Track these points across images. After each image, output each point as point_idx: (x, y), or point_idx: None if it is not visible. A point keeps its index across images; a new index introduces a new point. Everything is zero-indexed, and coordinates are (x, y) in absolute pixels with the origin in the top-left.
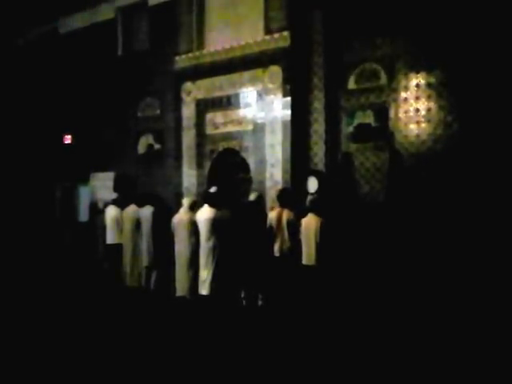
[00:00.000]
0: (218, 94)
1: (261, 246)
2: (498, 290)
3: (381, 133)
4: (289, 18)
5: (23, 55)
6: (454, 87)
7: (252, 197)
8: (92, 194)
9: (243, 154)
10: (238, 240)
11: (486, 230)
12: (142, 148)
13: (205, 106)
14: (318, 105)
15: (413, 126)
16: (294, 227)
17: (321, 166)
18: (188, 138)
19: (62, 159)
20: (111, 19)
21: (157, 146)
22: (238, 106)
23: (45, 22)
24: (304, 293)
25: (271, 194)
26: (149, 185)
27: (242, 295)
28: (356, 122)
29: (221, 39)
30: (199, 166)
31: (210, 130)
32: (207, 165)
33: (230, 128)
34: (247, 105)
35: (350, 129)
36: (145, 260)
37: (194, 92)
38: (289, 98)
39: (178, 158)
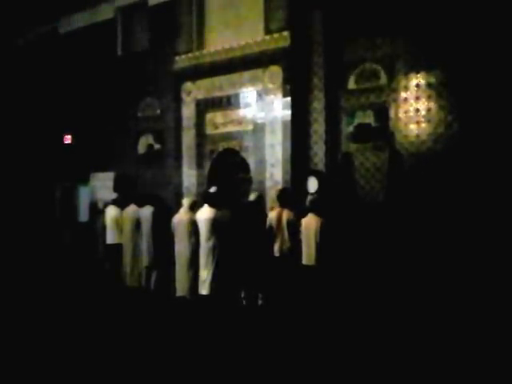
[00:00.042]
0: (217, 93)
1: (261, 246)
2: (498, 289)
3: (381, 133)
4: (289, 18)
5: (23, 55)
6: (454, 87)
7: (252, 197)
8: (92, 193)
9: (243, 154)
10: (238, 240)
11: (486, 229)
12: (142, 148)
13: (205, 106)
14: (318, 105)
15: (413, 126)
16: (294, 227)
17: (321, 166)
18: (188, 138)
19: (62, 159)
20: (111, 19)
21: (157, 146)
22: (237, 106)
23: (45, 21)
24: (304, 293)
25: (271, 194)
26: (149, 185)
27: (242, 295)
28: (356, 121)
29: (221, 39)
30: (199, 166)
31: (209, 130)
32: (207, 165)
33: (230, 128)
34: (247, 105)
35: (350, 129)
36: (145, 260)
37: (193, 92)
38: (289, 98)
39: (178, 157)
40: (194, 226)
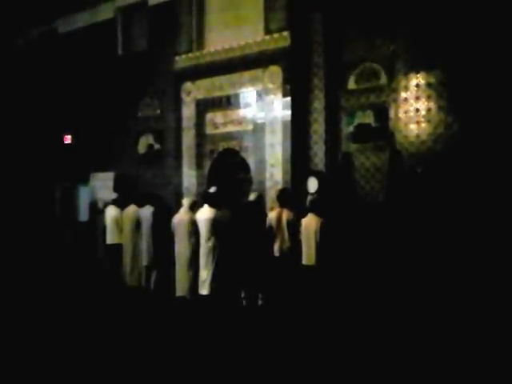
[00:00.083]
0: (218, 93)
1: (261, 246)
2: (498, 289)
3: (381, 133)
4: (289, 18)
5: (23, 55)
6: (454, 87)
7: (252, 197)
8: (92, 193)
9: (243, 154)
10: (238, 240)
11: (486, 229)
12: (142, 148)
13: (205, 106)
14: (318, 105)
15: (413, 126)
16: (294, 227)
17: (321, 166)
18: (188, 138)
19: (62, 159)
20: (111, 19)
21: (157, 146)
22: (237, 106)
23: (44, 21)
24: (304, 293)
25: (271, 194)
26: (149, 185)
27: (242, 295)
28: (356, 121)
29: (221, 39)
30: (199, 166)
31: (209, 130)
32: (207, 165)
33: (230, 128)
34: (247, 105)
35: (350, 129)
36: (145, 260)
37: (193, 92)
38: (289, 98)
39: (178, 157)
40: (194, 226)
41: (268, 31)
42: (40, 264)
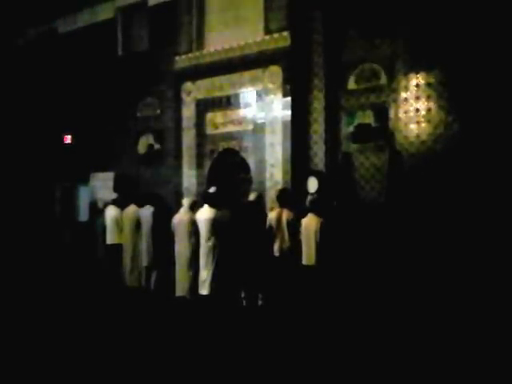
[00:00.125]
0: (218, 94)
1: (261, 246)
2: (498, 289)
3: (381, 133)
4: (289, 18)
5: (23, 55)
6: (454, 87)
7: (252, 197)
8: (92, 193)
9: (243, 154)
10: (238, 240)
11: (486, 229)
12: (142, 148)
13: (205, 106)
14: (318, 105)
15: (413, 126)
16: (294, 227)
17: (321, 166)
18: (188, 138)
19: (62, 159)
20: (111, 19)
21: (157, 146)
22: (238, 106)
23: (44, 21)
24: (304, 293)
25: (271, 194)
26: (149, 185)
27: (242, 295)
28: (356, 122)
29: (221, 39)
30: (199, 166)
31: (210, 130)
32: (207, 165)
33: (230, 128)
34: (247, 105)
35: (350, 129)
36: (145, 260)
37: (193, 92)
38: (289, 98)
39: (178, 157)
40: (194, 226)
41: (268, 31)
42: (40, 264)
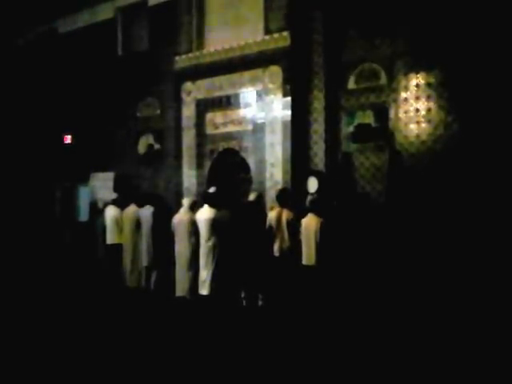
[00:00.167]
0: (218, 93)
1: (261, 246)
2: (498, 289)
3: (381, 133)
4: (289, 18)
5: (23, 55)
6: (454, 87)
7: (252, 197)
8: (92, 193)
9: (243, 154)
10: (238, 240)
11: (487, 229)
12: (142, 148)
13: (205, 106)
14: (318, 105)
15: (413, 126)
16: (294, 227)
17: (321, 166)
18: (188, 138)
19: (62, 159)
20: (111, 19)
21: (157, 146)
22: (237, 106)
23: (44, 21)
24: (304, 293)
25: (271, 194)
26: (149, 185)
27: (242, 295)
28: (356, 121)
29: (221, 39)
30: (199, 166)
31: (210, 130)
32: (207, 165)
33: (230, 128)
34: (247, 105)
35: (350, 129)
36: (145, 260)
37: (193, 92)
38: (289, 98)
39: (178, 157)
40: (193, 226)
41: (268, 31)
42: (40, 264)
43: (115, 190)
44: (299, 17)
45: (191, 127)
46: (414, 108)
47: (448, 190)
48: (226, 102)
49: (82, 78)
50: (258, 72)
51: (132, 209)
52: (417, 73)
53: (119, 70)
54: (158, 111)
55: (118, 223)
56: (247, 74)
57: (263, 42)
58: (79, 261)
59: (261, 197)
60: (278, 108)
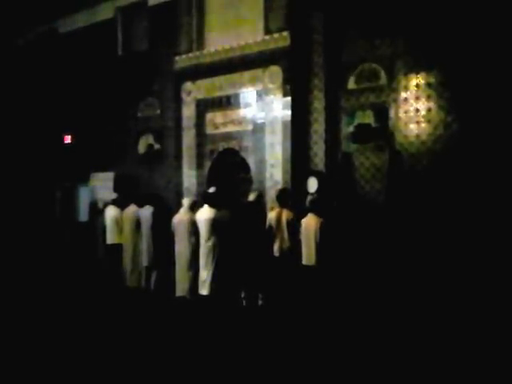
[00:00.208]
0: (218, 93)
1: (260, 246)
2: (498, 289)
3: (381, 133)
4: (289, 18)
5: (23, 55)
6: (454, 87)
7: (252, 197)
8: (92, 193)
9: (243, 154)
10: (238, 240)
11: (486, 229)
12: (142, 148)
13: (205, 106)
14: (318, 105)
15: (413, 126)
16: (294, 227)
17: (321, 166)
18: (188, 138)
19: (62, 159)
20: (111, 19)
21: (157, 146)
22: (237, 106)
23: (44, 21)
24: (304, 293)
25: (271, 194)
26: (149, 185)
27: (242, 295)
28: (356, 121)
29: (221, 39)
30: (199, 166)
31: (210, 130)
32: (207, 165)
33: (230, 128)
34: (247, 105)
35: (350, 129)
36: (145, 260)
37: (193, 92)
38: (289, 98)
39: (178, 157)
40: (193, 226)
41: (268, 31)
42: (40, 264)
43: (115, 190)
44: (299, 17)
45: (191, 127)
46: (414, 108)
47: (448, 190)
48: (226, 102)
49: (82, 78)
50: (258, 72)
51: (132, 209)
52: (417, 73)
53: (119, 69)
54: (158, 111)
55: (118, 223)
56: (247, 74)
57: (263, 42)
58: (79, 261)
59: (261, 197)
60: (278, 108)
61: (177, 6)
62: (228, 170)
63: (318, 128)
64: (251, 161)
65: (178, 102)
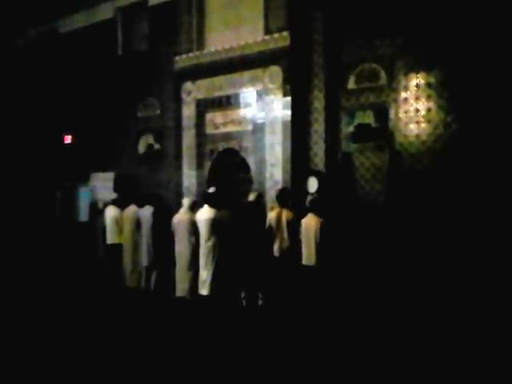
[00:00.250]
0: (217, 93)
1: (260, 246)
2: (498, 289)
3: (381, 133)
4: (289, 17)
5: (23, 55)
6: (454, 87)
7: (252, 197)
8: (92, 194)
9: (243, 154)
10: (238, 240)
11: (486, 229)
12: (142, 148)
13: (205, 106)
14: (318, 105)
15: (413, 126)
16: (294, 227)
17: (321, 166)
18: (188, 138)
19: (62, 159)
20: (111, 19)
21: (157, 146)
22: (237, 106)
23: (44, 21)
24: (304, 293)
25: (271, 194)
26: (149, 185)
27: (242, 295)
28: (356, 121)
29: (221, 39)
30: (199, 166)
31: (210, 130)
32: (207, 165)
33: (230, 128)
34: (247, 105)
35: (350, 129)
36: (145, 260)
37: (194, 92)
38: (289, 98)
39: (178, 157)
40: (193, 226)
41: (268, 31)
42: (40, 264)
43: (115, 190)
44: (299, 17)
45: (191, 127)
46: (414, 108)
47: (448, 190)
48: (226, 102)
49: (82, 78)
50: (258, 72)
51: (132, 209)
52: (417, 73)
53: (119, 69)
54: (158, 111)
55: (118, 223)
56: (247, 74)
57: (263, 42)
58: (79, 261)
59: (261, 197)
60: (278, 108)
61: (177, 6)
62: (228, 170)
63: (318, 128)
64: (251, 161)
65: (178, 101)
